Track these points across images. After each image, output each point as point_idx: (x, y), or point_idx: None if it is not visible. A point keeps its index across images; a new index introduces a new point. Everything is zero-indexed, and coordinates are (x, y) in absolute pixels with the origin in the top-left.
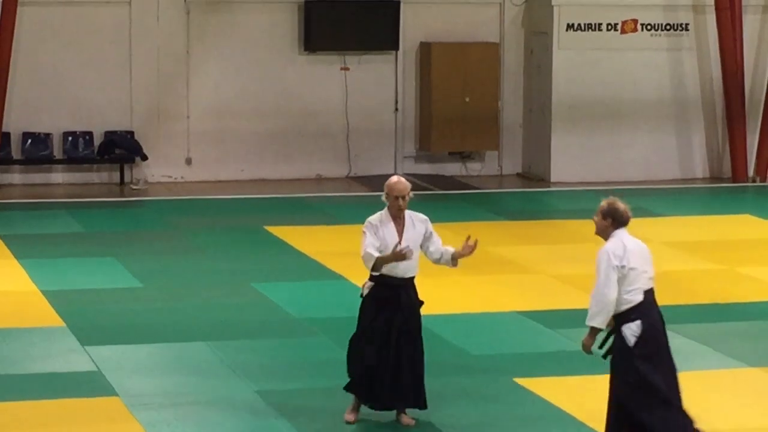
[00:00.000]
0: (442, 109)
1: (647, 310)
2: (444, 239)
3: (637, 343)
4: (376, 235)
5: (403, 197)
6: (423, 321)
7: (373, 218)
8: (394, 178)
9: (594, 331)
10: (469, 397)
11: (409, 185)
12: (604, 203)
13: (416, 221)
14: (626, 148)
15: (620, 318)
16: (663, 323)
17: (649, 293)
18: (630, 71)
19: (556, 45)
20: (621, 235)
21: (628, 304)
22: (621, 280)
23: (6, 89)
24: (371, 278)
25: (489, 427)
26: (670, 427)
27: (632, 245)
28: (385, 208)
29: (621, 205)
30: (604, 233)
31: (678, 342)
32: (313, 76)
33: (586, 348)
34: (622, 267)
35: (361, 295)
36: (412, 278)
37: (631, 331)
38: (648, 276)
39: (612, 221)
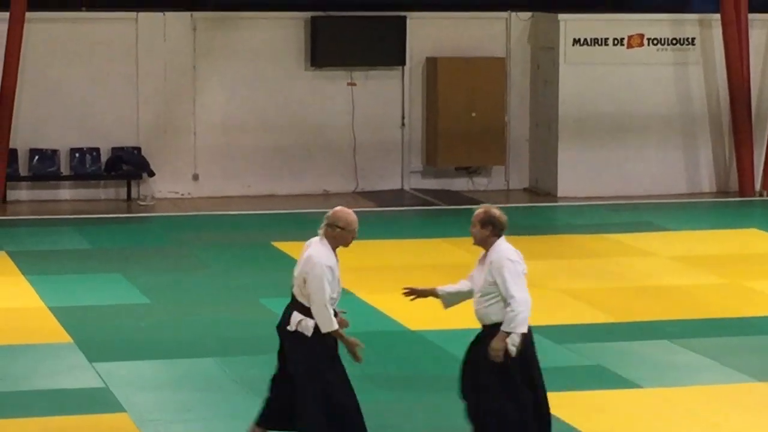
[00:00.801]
0: (449, 124)
1: None
2: (450, 255)
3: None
4: (330, 281)
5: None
6: (432, 336)
7: (324, 256)
8: (348, 210)
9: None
10: None
11: None
12: (480, 212)
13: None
14: (633, 163)
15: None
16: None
17: None
18: (636, 86)
19: (562, 59)
20: (504, 242)
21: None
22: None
23: (13, 106)
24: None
25: None
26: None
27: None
28: (326, 243)
29: (497, 212)
30: (485, 243)
31: (685, 357)
32: (319, 91)
33: (501, 355)
34: (524, 272)
35: (299, 334)
36: None
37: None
38: None
39: (492, 229)
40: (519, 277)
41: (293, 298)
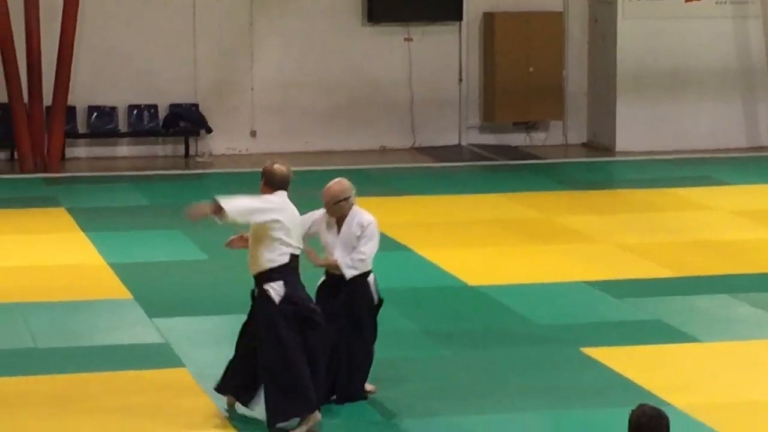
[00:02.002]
0: (506, 80)
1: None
2: (508, 209)
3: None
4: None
5: (336, 202)
6: (490, 291)
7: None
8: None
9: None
10: (535, 367)
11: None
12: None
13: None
14: (691, 117)
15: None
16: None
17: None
18: (695, 40)
19: (620, 14)
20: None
21: (273, 263)
22: (276, 240)
23: (71, 63)
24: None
25: (556, 397)
26: None
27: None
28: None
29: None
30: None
31: (745, 311)
32: (376, 47)
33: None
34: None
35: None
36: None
37: (275, 291)
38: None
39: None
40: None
41: None
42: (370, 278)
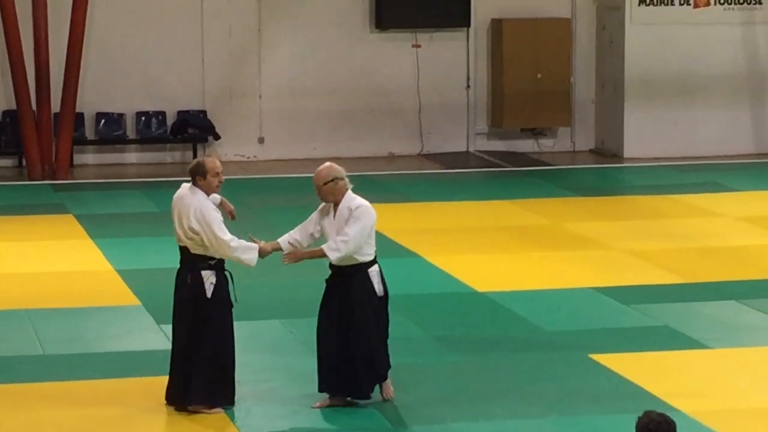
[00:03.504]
0: (514, 86)
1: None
2: (516, 216)
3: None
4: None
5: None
6: (498, 297)
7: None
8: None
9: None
10: (544, 373)
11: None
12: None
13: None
14: (700, 123)
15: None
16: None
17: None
18: (703, 46)
19: (628, 20)
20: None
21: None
22: None
23: (79, 70)
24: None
25: (564, 403)
26: None
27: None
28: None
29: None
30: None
31: (753, 317)
32: (384, 53)
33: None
34: None
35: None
36: None
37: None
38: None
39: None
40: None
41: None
42: (372, 269)
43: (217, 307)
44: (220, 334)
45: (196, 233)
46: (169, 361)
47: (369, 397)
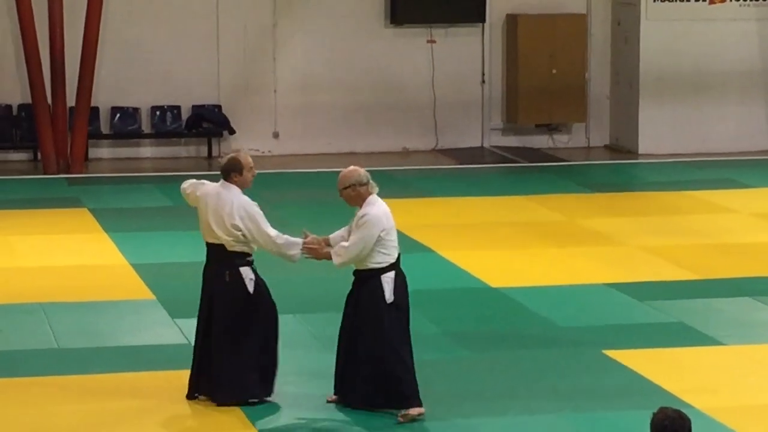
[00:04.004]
0: (529, 81)
1: None
2: (531, 211)
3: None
4: None
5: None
6: (512, 293)
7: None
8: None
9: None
10: (558, 369)
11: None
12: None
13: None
14: (714, 119)
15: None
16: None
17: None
18: (718, 42)
19: (644, 16)
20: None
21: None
22: None
23: (95, 64)
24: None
25: (578, 399)
26: None
27: None
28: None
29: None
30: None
31: (766, 314)
32: (399, 49)
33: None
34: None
35: None
36: None
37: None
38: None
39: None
40: None
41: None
42: (386, 275)
43: (262, 303)
44: (267, 328)
45: (239, 230)
46: (188, 354)
47: (369, 406)
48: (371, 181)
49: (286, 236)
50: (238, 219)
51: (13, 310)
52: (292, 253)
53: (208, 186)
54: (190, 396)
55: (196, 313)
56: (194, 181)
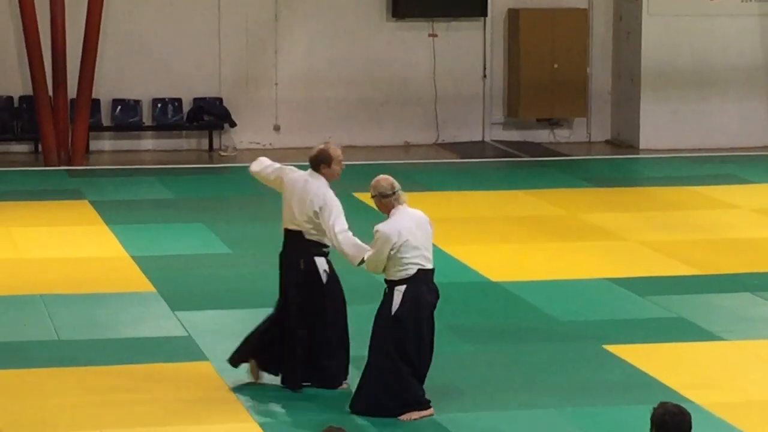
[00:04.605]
0: (531, 76)
1: None
2: (531, 206)
3: None
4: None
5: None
6: (513, 287)
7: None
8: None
9: None
10: (558, 364)
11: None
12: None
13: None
14: (716, 115)
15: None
16: None
17: None
18: (720, 38)
19: (645, 11)
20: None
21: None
22: None
23: (96, 56)
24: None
25: (578, 394)
26: None
27: None
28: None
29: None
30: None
31: (766, 309)
32: (401, 42)
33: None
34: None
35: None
36: None
37: None
38: None
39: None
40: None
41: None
42: (399, 287)
43: (334, 294)
44: (339, 318)
45: (318, 217)
46: (189, 347)
47: (359, 411)
48: (399, 192)
49: (350, 235)
50: (317, 207)
51: (13, 301)
52: (351, 253)
53: (297, 173)
54: (236, 363)
55: (197, 306)
56: (277, 165)
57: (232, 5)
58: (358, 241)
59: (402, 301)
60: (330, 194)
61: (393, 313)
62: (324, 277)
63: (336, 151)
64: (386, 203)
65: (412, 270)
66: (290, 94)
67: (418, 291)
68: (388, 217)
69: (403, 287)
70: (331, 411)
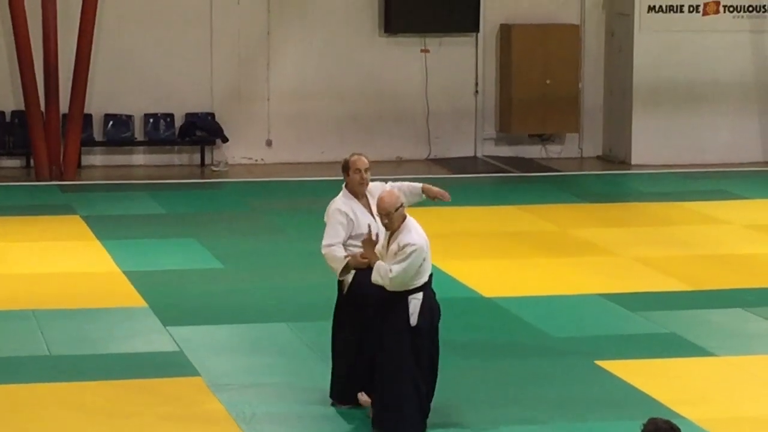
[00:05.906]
0: (523, 91)
1: None
2: (523, 222)
3: None
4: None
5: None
6: (505, 302)
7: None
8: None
9: None
10: (550, 379)
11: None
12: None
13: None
14: (708, 131)
15: None
16: None
17: None
18: (712, 54)
19: (637, 27)
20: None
21: None
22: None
23: (88, 71)
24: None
25: (570, 409)
26: None
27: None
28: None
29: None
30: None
31: (760, 325)
32: (393, 58)
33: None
34: None
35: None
36: None
37: None
38: None
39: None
40: None
41: None
42: (415, 296)
43: (351, 306)
44: (353, 328)
45: None
46: (180, 362)
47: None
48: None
49: (334, 249)
50: (325, 217)
51: (4, 316)
52: (333, 265)
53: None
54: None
55: (188, 321)
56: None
57: (225, 20)
58: (337, 253)
59: (421, 309)
60: (333, 208)
61: (414, 324)
62: (345, 288)
63: (354, 160)
64: (400, 213)
65: (425, 277)
66: (282, 109)
67: (431, 298)
68: (398, 229)
69: (420, 295)
70: (328, 425)
